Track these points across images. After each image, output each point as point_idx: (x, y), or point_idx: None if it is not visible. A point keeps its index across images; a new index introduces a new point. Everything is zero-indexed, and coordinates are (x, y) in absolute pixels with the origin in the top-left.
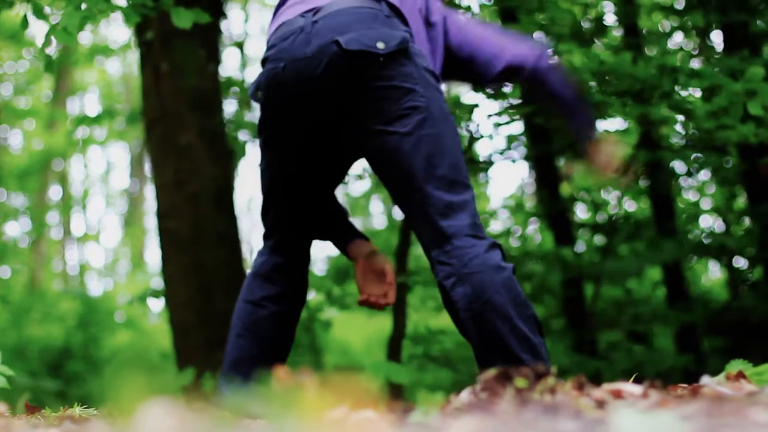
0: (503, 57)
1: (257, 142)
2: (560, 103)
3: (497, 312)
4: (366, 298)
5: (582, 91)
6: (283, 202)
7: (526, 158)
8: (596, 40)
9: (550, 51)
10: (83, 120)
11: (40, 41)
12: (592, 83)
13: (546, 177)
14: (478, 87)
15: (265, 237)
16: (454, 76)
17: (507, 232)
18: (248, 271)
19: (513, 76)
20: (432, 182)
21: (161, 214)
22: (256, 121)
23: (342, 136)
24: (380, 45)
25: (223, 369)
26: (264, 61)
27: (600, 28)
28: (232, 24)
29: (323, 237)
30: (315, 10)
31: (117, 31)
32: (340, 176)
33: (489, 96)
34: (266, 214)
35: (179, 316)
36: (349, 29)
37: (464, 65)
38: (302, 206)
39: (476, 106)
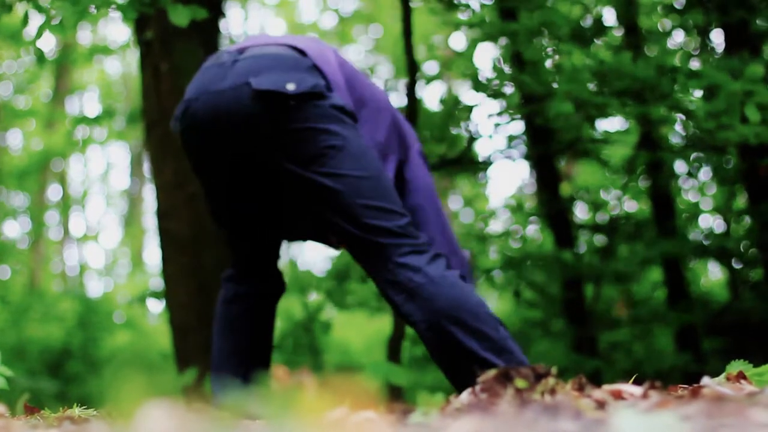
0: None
1: None
2: None
3: (450, 318)
4: None
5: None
6: (227, 219)
7: (526, 158)
8: (596, 40)
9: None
10: (83, 120)
11: (33, 34)
12: (592, 84)
13: (546, 177)
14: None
15: (227, 244)
16: None
17: (507, 233)
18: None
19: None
20: (366, 213)
21: (161, 215)
22: None
23: (265, 171)
24: (290, 86)
25: (211, 371)
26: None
27: (600, 28)
28: (232, 24)
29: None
30: (242, 50)
31: (116, 30)
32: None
33: (489, 95)
34: (223, 229)
35: (179, 316)
36: (264, 72)
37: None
38: (244, 219)
39: (476, 106)
